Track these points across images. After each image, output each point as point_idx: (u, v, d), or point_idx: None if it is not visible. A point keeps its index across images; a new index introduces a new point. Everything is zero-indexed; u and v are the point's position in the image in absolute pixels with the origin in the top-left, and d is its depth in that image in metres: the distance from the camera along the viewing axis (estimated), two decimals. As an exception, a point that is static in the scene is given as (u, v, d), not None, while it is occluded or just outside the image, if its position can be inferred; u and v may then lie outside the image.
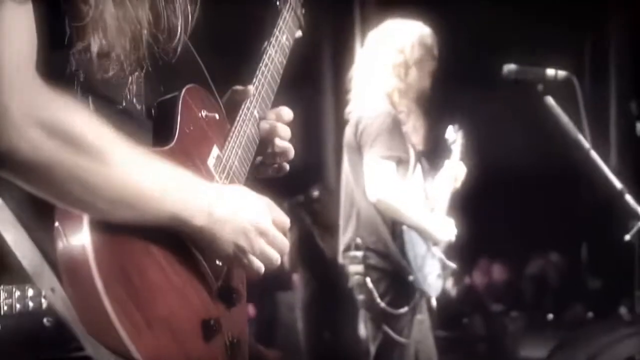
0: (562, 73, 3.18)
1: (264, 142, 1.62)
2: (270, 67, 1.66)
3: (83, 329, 1.10)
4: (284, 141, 1.64)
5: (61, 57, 1.20)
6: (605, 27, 6.96)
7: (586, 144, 3.16)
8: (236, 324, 1.38)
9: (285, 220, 1.40)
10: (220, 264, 1.34)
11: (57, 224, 1.12)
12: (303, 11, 1.85)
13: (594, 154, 3.18)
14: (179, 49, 1.40)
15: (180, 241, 1.25)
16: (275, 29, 1.72)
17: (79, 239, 1.10)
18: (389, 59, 3.57)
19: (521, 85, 3.24)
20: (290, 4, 1.79)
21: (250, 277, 1.41)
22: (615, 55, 7.02)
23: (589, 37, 7.15)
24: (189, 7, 1.40)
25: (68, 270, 1.10)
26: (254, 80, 1.63)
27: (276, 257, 1.36)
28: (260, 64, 1.66)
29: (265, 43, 1.70)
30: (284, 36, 1.73)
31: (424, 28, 3.67)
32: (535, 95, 3.19)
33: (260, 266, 1.34)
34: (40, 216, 1.14)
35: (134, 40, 1.27)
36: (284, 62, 1.72)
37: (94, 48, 1.20)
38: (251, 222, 1.31)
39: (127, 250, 1.16)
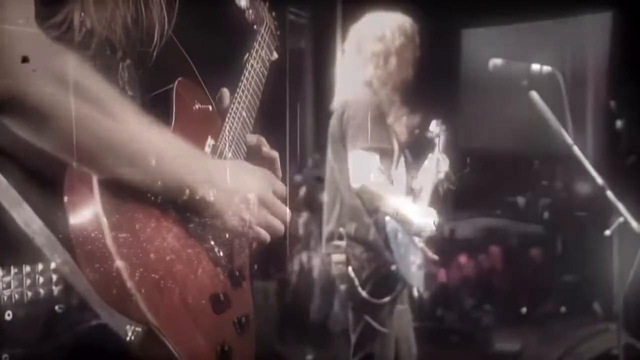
0: (546, 68, 3.21)
1: (250, 153, 1.68)
2: (253, 74, 1.74)
3: (98, 298, 1.12)
4: (271, 150, 1.71)
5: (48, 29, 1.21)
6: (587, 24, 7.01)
7: (569, 140, 3.20)
8: (243, 303, 1.43)
9: (284, 189, 1.44)
10: (227, 237, 1.38)
11: (66, 198, 1.14)
12: (278, 33, 1.92)
13: (576, 150, 3.21)
14: (154, 55, 1.43)
15: (188, 216, 1.29)
16: (255, 43, 1.80)
17: (91, 209, 1.14)
18: (369, 47, 3.58)
19: (506, 79, 3.27)
20: (267, 24, 1.86)
21: (258, 247, 1.46)
22: (593, 52, 7.07)
23: (569, 33, 7.21)
24: (165, 14, 1.43)
25: (82, 241, 1.13)
26: (240, 84, 1.70)
27: (280, 226, 1.40)
28: (244, 71, 1.73)
29: (247, 55, 1.77)
30: (263, 51, 1.81)
31: (404, 17, 3.67)
32: (519, 90, 3.22)
33: (266, 236, 1.39)
34: (46, 192, 1.16)
35: (113, 24, 1.30)
36: (266, 72, 1.80)
37: (76, 21, 1.22)
38: (254, 195, 1.34)
39: (138, 222, 1.19)
